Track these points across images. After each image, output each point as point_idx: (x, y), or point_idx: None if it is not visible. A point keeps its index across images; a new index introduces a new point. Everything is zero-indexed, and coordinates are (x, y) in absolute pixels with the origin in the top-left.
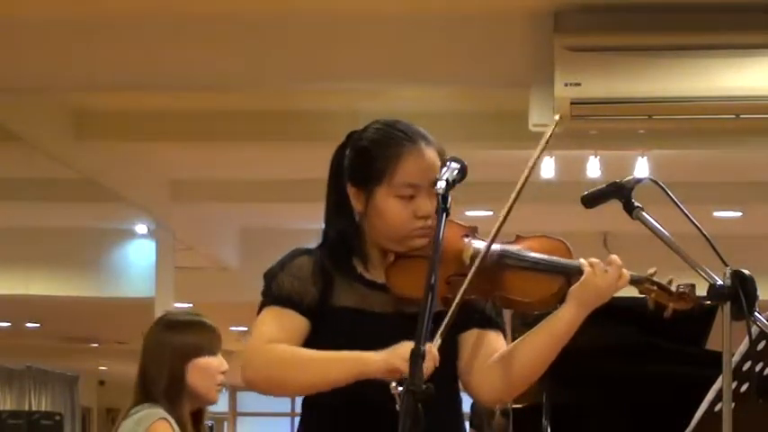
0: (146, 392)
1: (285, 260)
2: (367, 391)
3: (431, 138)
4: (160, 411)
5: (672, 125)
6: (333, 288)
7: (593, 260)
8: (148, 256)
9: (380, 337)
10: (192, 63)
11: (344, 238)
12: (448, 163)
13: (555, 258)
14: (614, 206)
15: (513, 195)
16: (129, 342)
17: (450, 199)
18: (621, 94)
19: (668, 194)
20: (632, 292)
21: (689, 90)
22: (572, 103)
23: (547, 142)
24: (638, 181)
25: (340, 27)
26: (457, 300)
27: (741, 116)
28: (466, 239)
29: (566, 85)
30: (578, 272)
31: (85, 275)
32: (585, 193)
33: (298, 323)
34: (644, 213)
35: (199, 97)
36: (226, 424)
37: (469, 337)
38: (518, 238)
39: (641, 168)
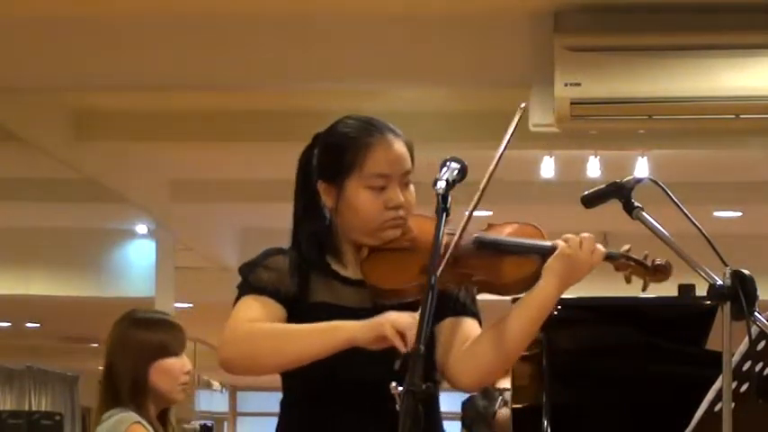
0: (113, 393)
1: (260, 257)
2: (352, 397)
3: (398, 131)
4: (133, 415)
5: (672, 125)
6: (309, 285)
7: (568, 235)
8: (148, 256)
9: None
10: (192, 63)
11: (317, 237)
12: (448, 163)
13: (530, 240)
14: (614, 206)
15: (484, 181)
16: None
17: (450, 199)
18: (621, 94)
19: (668, 194)
20: (609, 271)
21: (689, 90)
22: (572, 103)
23: (515, 127)
24: (638, 181)
25: (340, 27)
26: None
27: (741, 116)
28: None
29: (566, 85)
30: (554, 251)
31: (85, 275)
32: (585, 193)
33: (276, 309)
34: (644, 213)
35: (199, 97)
36: (226, 424)
37: (445, 326)
38: (490, 226)
39: (641, 168)
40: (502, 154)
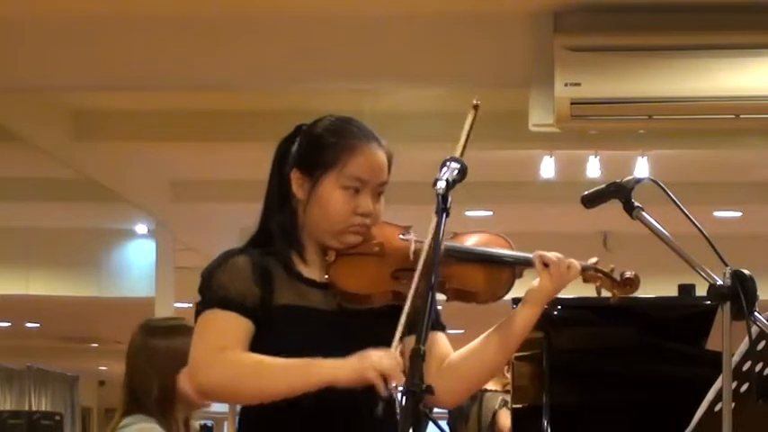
0: (136, 402)
1: (221, 260)
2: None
3: (383, 141)
4: (155, 427)
5: (672, 125)
6: (273, 287)
7: (551, 259)
8: (148, 256)
9: (325, 335)
10: (192, 63)
11: (286, 230)
12: (448, 163)
13: (499, 250)
14: (614, 206)
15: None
16: None
17: (450, 199)
18: (621, 94)
19: (668, 194)
20: (577, 282)
21: (689, 90)
22: (572, 103)
23: (471, 128)
24: (638, 181)
25: (340, 27)
26: (409, 300)
27: (741, 116)
28: (405, 236)
29: (566, 85)
30: (525, 263)
31: (85, 275)
32: (585, 193)
33: (242, 325)
34: (644, 213)
35: (199, 97)
36: (226, 424)
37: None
38: (456, 236)
39: (641, 168)
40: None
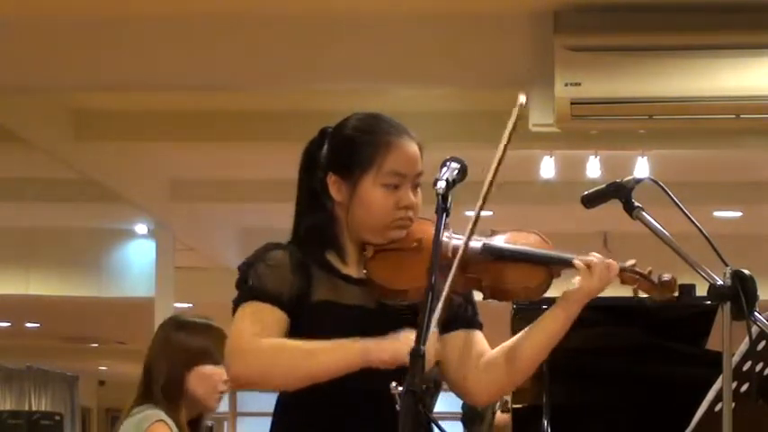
0: (147, 391)
1: (260, 252)
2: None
3: (413, 132)
4: (160, 413)
5: (672, 125)
6: (312, 281)
7: (592, 260)
8: (148, 256)
9: (362, 331)
10: (193, 63)
11: (320, 231)
12: (448, 163)
13: (539, 250)
14: (614, 206)
15: (486, 184)
16: (129, 342)
17: (450, 199)
18: (621, 94)
19: (668, 194)
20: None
21: (689, 90)
22: (572, 103)
23: (515, 124)
24: (638, 181)
25: (339, 27)
26: (446, 290)
27: (741, 116)
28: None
29: (566, 85)
30: (564, 263)
31: (85, 275)
32: (585, 193)
33: (279, 319)
34: (644, 213)
35: (199, 97)
36: (226, 424)
37: (455, 339)
38: (493, 233)
39: (641, 168)
40: (504, 153)
